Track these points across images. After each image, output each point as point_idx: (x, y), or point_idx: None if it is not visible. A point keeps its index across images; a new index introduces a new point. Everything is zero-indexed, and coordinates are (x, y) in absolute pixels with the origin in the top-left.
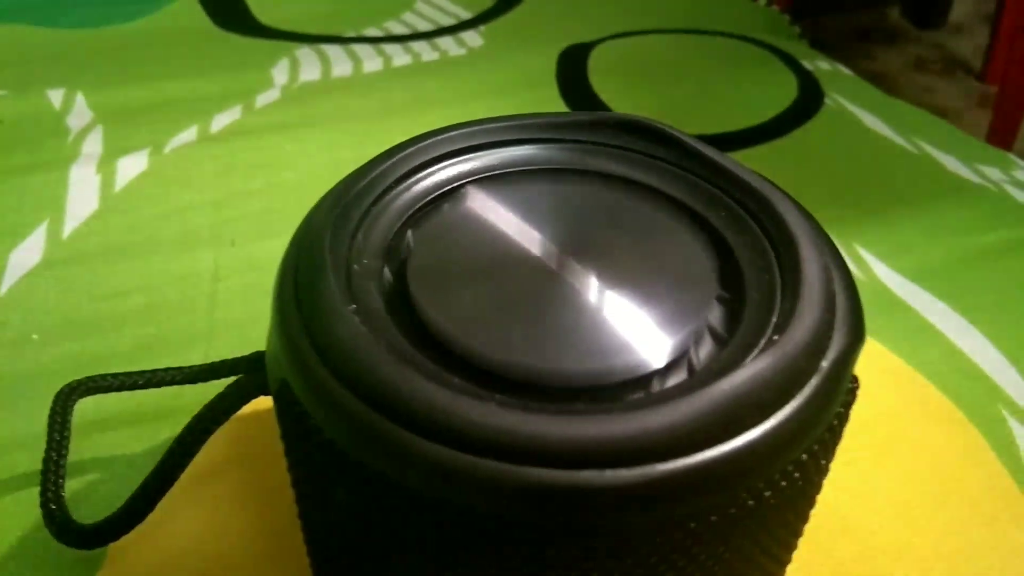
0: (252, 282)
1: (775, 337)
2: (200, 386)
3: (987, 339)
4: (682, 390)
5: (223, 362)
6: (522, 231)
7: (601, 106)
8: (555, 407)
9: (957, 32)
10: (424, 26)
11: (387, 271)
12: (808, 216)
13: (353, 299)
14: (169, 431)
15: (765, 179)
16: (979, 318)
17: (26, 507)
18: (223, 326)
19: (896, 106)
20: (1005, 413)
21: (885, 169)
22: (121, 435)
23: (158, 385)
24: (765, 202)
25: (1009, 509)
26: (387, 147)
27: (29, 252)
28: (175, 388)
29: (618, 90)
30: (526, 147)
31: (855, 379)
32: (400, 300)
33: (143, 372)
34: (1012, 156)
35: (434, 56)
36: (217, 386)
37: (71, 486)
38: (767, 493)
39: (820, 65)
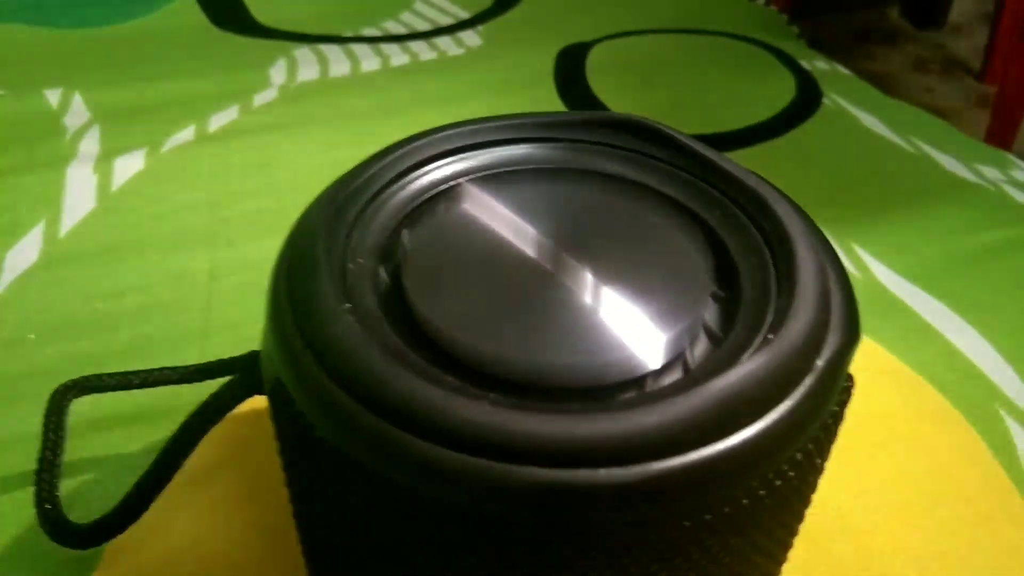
0: (248, 282)
1: (770, 336)
2: (196, 386)
3: (984, 339)
4: (677, 389)
5: (219, 362)
6: (517, 230)
7: (599, 105)
8: (549, 406)
9: (956, 32)
10: (422, 26)
11: (382, 270)
12: (804, 215)
13: (347, 298)
14: (164, 431)
15: (761, 178)
16: (976, 318)
17: (21, 507)
18: (219, 326)
19: (894, 106)
20: (1002, 412)
21: (883, 169)
22: (116, 435)
23: (154, 385)
24: (761, 201)
25: (1005, 508)
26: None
27: (26, 251)
28: (171, 388)
29: (616, 90)
30: (522, 146)
31: (850, 378)
32: (395, 299)
33: (139, 372)
34: (1010, 156)
35: (432, 56)
36: (212, 386)
37: (66, 486)
38: (762, 492)
39: (818, 65)
